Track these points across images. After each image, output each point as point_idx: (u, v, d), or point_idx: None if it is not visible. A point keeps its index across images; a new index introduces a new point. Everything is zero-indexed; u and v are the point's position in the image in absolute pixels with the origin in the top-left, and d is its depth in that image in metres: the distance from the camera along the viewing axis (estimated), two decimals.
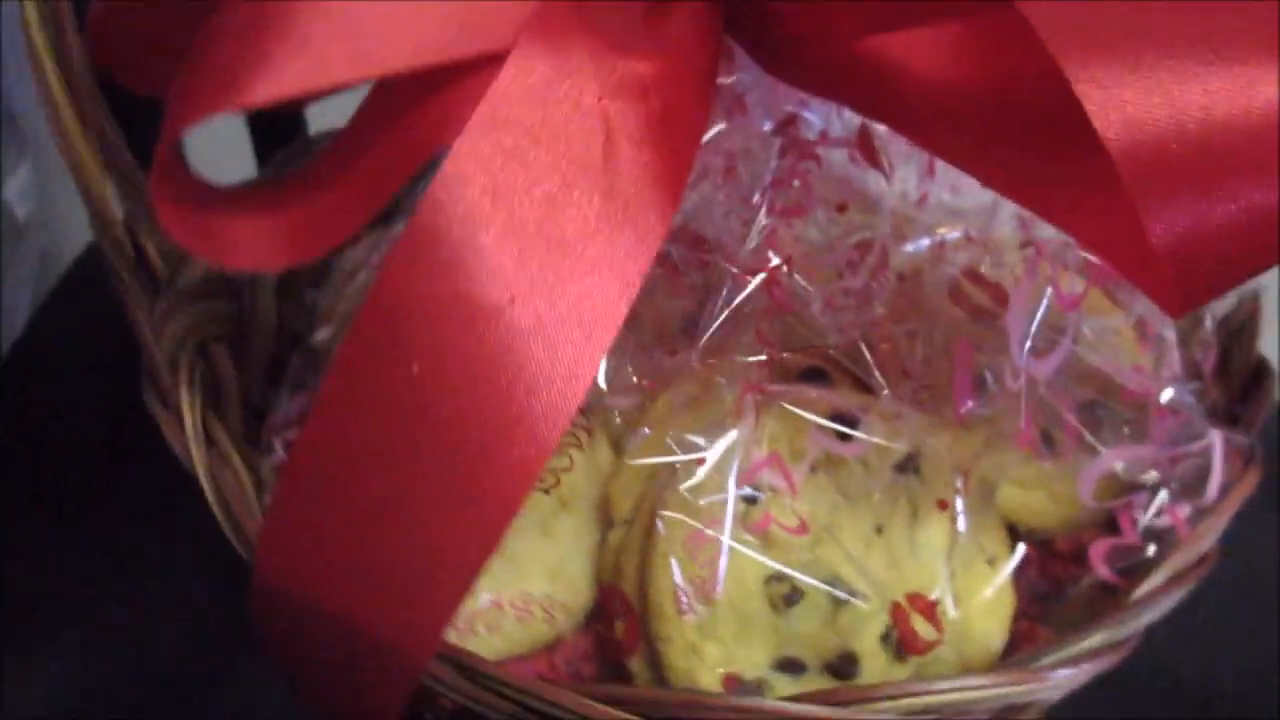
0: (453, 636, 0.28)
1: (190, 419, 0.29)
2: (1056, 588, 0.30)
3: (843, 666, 0.26)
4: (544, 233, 0.22)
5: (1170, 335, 0.27)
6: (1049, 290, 0.24)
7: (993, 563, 0.28)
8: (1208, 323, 0.30)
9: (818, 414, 0.27)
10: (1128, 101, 0.15)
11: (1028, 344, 0.24)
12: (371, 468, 0.22)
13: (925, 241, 0.29)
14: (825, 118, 0.29)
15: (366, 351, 0.22)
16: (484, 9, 0.23)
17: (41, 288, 0.75)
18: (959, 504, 0.26)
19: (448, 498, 0.22)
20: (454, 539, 0.22)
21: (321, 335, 0.36)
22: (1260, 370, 0.30)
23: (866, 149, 0.27)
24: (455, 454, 0.22)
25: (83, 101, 0.26)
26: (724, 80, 0.29)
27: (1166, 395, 0.25)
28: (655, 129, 0.23)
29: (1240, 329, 0.31)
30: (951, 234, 0.29)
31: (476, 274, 0.21)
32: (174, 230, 0.22)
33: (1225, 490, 0.25)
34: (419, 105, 0.23)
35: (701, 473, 0.26)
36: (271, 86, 0.22)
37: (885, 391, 0.27)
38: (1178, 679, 0.40)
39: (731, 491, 0.25)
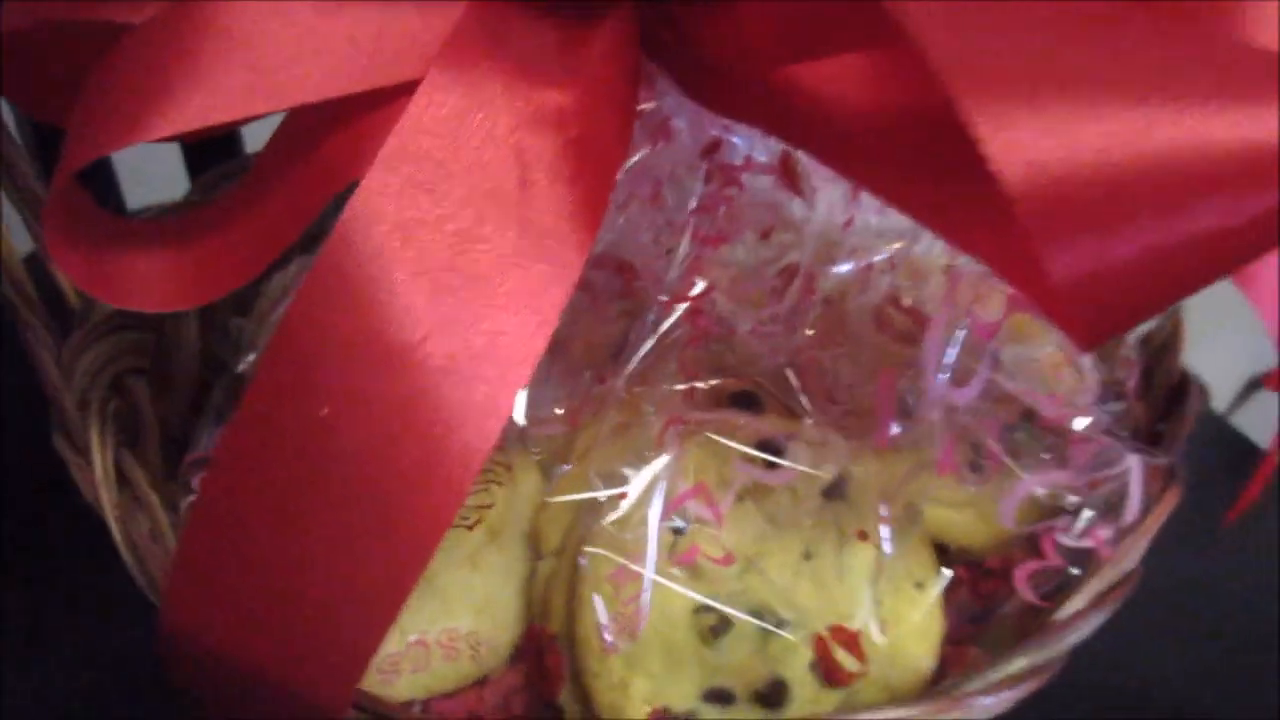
0: (377, 678, 0.27)
1: (100, 461, 0.28)
2: (988, 607, 0.30)
3: (772, 695, 0.26)
4: (457, 268, 0.21)
5: (1087, 361, 0.27)
6: (966, 319, 0.24)
7: (921, 586, 0.28)
8: (1130, 341, 0.30)
9: (744, 442, 0.27)
10: (1024, 141, 0.15)
11: (944, 375, 0.24)
12: (281, 513, 0.21)
13: (851, 265, 0.29)
14: (750, 143, 0.29)
15: (274, 392, 0.21)
16: (392, 39, 0.23)
17: None
18: (884, 530, 0.26)
19: (360, 543, 0.21)
20: (367, 586, 0.21)
21: (245, 364, 0.35)
22: (1182, 387, 0.30)
23: (788, 175, 0.27)
24: (367, 498, 0.21)
25: None
26: (648, 105, 0.28)
27: (1080, 424, 0.25)
28: (571, 160, 0.23)
29: (1163, 347, 0.32)
30: (877, 257, 0.29)
31: (387, 312, 0.21)
32: (68, 268, 0.21)
33: (1145, 510, 0.25)
34: (327, 138, 0.23)
35: (625, 506, 0.25)
36: (172, 122, 0.21)
37: (810, 419, 0.27)
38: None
39: (653, 525, 0.25)
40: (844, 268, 0.29)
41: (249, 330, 0.37)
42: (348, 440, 0.21)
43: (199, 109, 0.21)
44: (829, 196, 0.30)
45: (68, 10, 0.24)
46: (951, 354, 0.24)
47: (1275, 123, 0.15)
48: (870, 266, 0.29)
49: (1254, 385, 0.95)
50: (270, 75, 0.22)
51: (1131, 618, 0.36)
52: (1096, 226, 0.15)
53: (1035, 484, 0.25)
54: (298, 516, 0.21)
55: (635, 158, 0.29)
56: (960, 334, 0.24)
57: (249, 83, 0.22)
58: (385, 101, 0.23)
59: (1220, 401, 0.94)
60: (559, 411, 0.28)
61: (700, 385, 0.28)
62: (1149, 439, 0.29)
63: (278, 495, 0.21)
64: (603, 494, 0.25)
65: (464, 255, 0.22)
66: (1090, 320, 0.16)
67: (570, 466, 0.27)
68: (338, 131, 0.23)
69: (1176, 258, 0.16)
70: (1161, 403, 0.30)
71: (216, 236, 0.23)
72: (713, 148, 0.28)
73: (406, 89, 0.23)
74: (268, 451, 0.21)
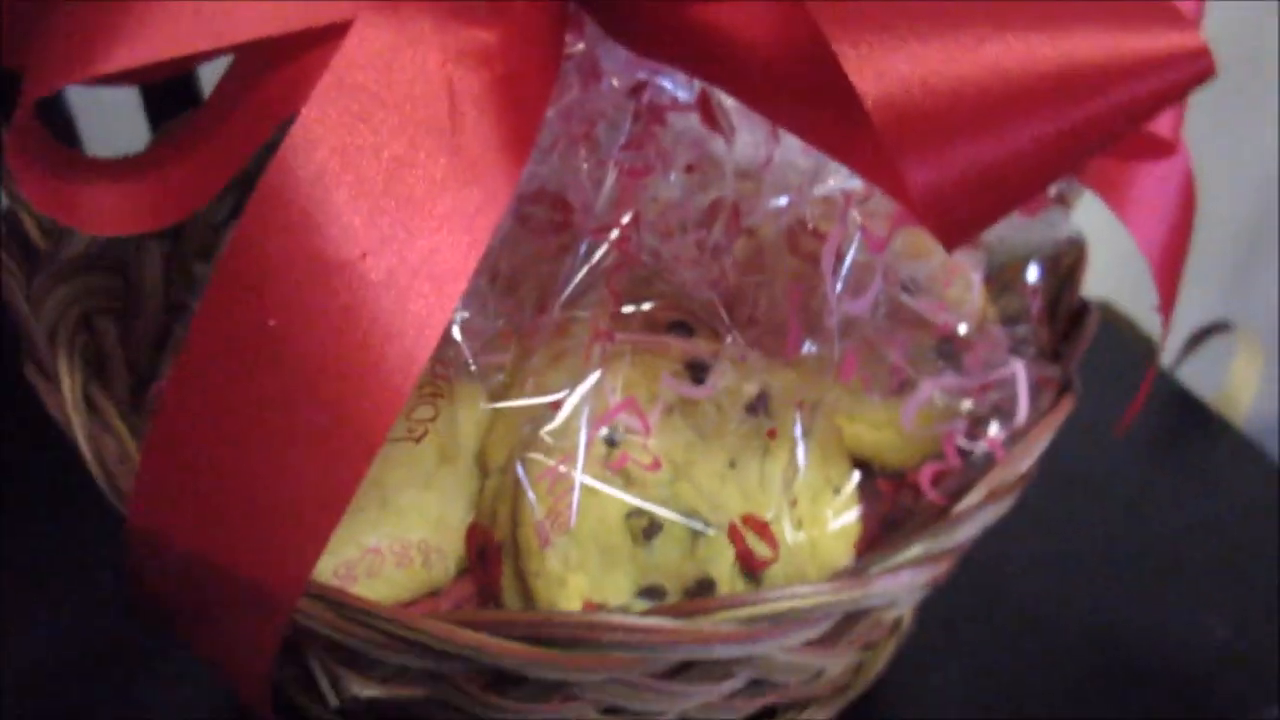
0: (334, 582, 0.29)
1: (69, 386, 0.30)
2: (906, 514, 0.33)
3: (701, 591, 0.28)
4: (392, 191, 0.23)
5: (976, 276, 0.29)
6: (858, 235, 0.26)
7: (838, 491, 0.30)
8: (1033, 269, 0.33)
9: (672, 361, 0.29)
10: (877, 60, 0.17)
11: (839, 285, 0.26)
12: (234, 416, 0.23)
13: (774, 201, 0.31)
14: (675, 84, 0.31)
15: (225, 307, 0.23)
16: None
17: None
18: (798, 434, 0.28)
19: (308, 443, 0.23)
20: (315, 481, 0.23)
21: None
22: (1082, 311, 0.33)
23: (707, 113, 0.29)
24: (314, 401, 0.23)
25: None
26: (578, 47, 0.30)
27: (963, 328, 0.27)
28: (499, 93, 0.25)
29: (1067, 275, 0.34)
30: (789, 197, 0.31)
31: (327, 231, 0.23)
32: (33, 195, 0.23)
33: (1036, 416, 0.28)
34: (269, 74, 0.25)
35: (560, 417, 0.27)
36: (121, 57, 0.23)
37: (733, 339, 0.29)
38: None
39: (583, 431, 0.27)
40: (768, 204, 0.31)
41: (209, 272, 0.39)
42: (294, 349, 0.23)
43: (148, 44, 0.23)
44: (751, 135, 0.32)
45: None
46: (844, 268, 0.26)
47: (1088, 43, 0.17)
48: (792, 202, 0.31)
49: (1198, 338, 0.98)
50: (214, 15, 0.24)
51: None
52: (941, 136, 0.17)
53: (931, 387, 0.27)
54: (250, 420, 0.23)
55: (568, 98, 0.31)
56: (851, 249, 0.26)
57: (193, 22, 0.23)
58: (322, 40, 0.24)
59: (1169, 356, 0.97)
60: (504, 338, 0.30)
61: (629, 309, 0.29)
62: (1051, 359, 0.32)
63: (231, 400, 0.23)
64: (539, 400, 0.27)
65: (399, 180, 0.23)
66: (950, 220, 0.19)
67: (508, 385, 0.29)
68: (279, 68, 0.24)
69: (1014, 162, 0.18)
70: (1063, 326, 0.32)
71: (170, 165, 0.25)
72: (639, 88, 0.30)
73: (342, 29, 0.24)
74: (220, 360, 0.23)
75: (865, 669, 0.36)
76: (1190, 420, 0.57)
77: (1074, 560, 0.45)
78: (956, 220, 0.19)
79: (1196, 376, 0.97)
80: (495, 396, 0.32)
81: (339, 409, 0.23)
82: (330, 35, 0.24)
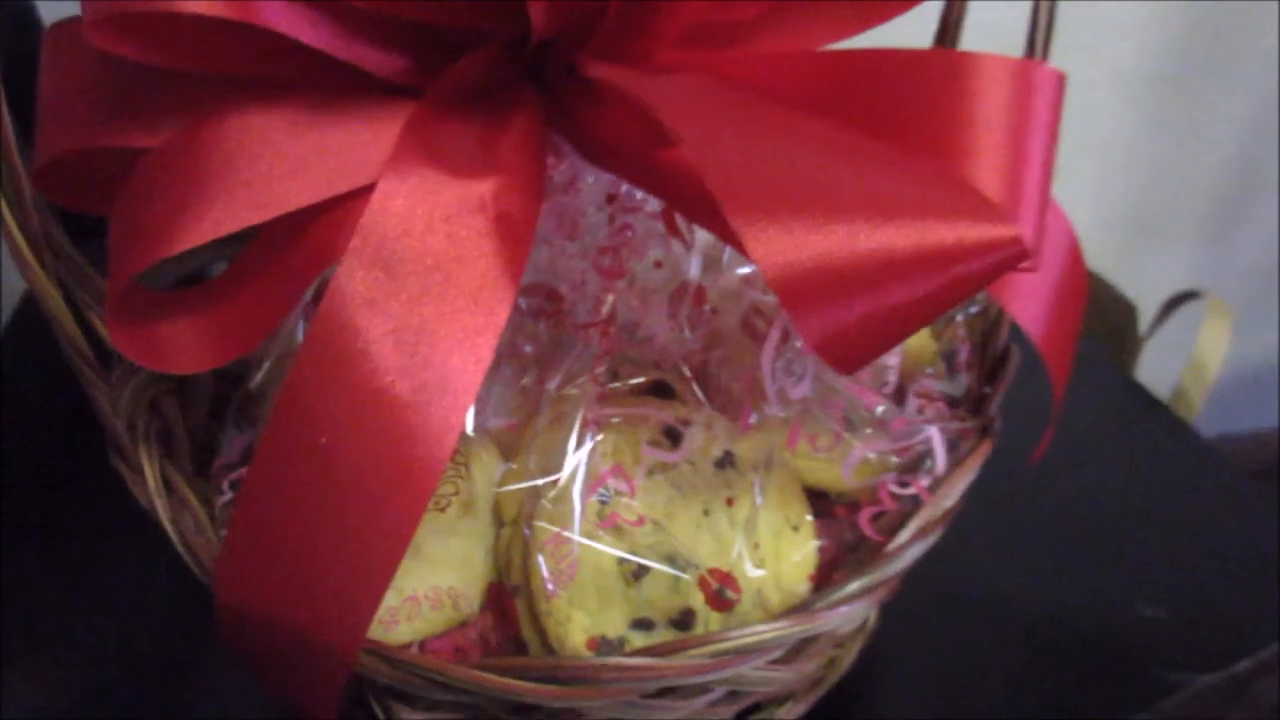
0: (380, 628, 0.35)
1: (151, 475, 0.36)
2: (861, 538, 0.38)
3: (683, 620, 0.34)
4: (411, 325, 0.29)
5: (891, 361, 0.35)
6: (796, 341, 0.32)
7: (796, 529, 0.36)
8: (959, 320, 0.38)
9: (651, 430, 0.35)
10: (773, 247, 0.22)
11: (776, 383, 0.32)
12: (299, 511, 0.29)
13: (729, 275, 0.37)
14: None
15: (286, 430, 0.29)
16: (350, 151, 0.30)
17: None
18: (757, 489, 0.34)
19: (359, 530, 0.29)
20: (365, 560, 0.29)
21: (255, 381, 0.43)
22: (1004, 355, 0.38)
23: (670, 223, 0.34)
24: (363, 495, 0.29)
25: (34, 240, 0.32)
26: (560, 167, 0.36)
27: (879, 410, 0.33)
28: (494, 233, 0.30)
29: (992, 324, 0.39)
30: (748, 269, 0.36)
31: (363, 365, 0.28)
32: (127, 350, 0.29)
33: (954, 464, 0.33)
34: (309, 230, 0.30)
35: (559, 487, 0.33)
36: (192, 235, 0.28)
37: (703, 406, 0.35)
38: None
39: (577, 500, 0.32)
40: (725, 278, 0.37)
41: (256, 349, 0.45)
42: (343, 458, 0.28)
43: (211, 223, 0.28)
44: None
45: (93, 139, 0.32)
46: (788, 358, 0.32)
47: (934, 233, 0.22)
48: (745, 278, 0.37)
49: (1172, 305, 1.02)
50: (262, 189, 0.29)
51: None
52: (825, 304, 0.23)
53: (862, 451, 0.33)
54: (311, 513, 0.29)
55: (552, 202, 0.37)
56: (796, 343, 0.32)
57: (246, 197, 0.29)
58: (351, 199, 0.30)
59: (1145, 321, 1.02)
60: (504, 421, 0.35)
61: (615, 385, 0.35)
62: (974, 403, 0.37)
63: (294, 500, 0.29)
64: (540, 481, 0.33)
65: (416, 315, 0.29)
66: (841, 357, 0.24)
67: (514, 464, 0.35)
68: (317, 223, 0.30)
69: (886, 317, 0.23)
70: (988, 370, 0.38)
71: (227, 309, 0.31)
72: (612, 198, 0.35)
73: (366, 190, 0.30)
74: (285, 470, 0.29)
75: (836, 664, 0.42)
76: (1142, 413, 0.62)
77: (1024, 555, 0.51)
78: (845, 359, 0.24)
79: (1167, 344, 1.02)
80: (505, 451, 0.38)
81: (380, 503, 0.29)
82: (358, 195, 0.30)
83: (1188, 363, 0.92)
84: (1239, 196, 1.17)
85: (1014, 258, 0.22)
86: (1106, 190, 1.11)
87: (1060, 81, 0.27)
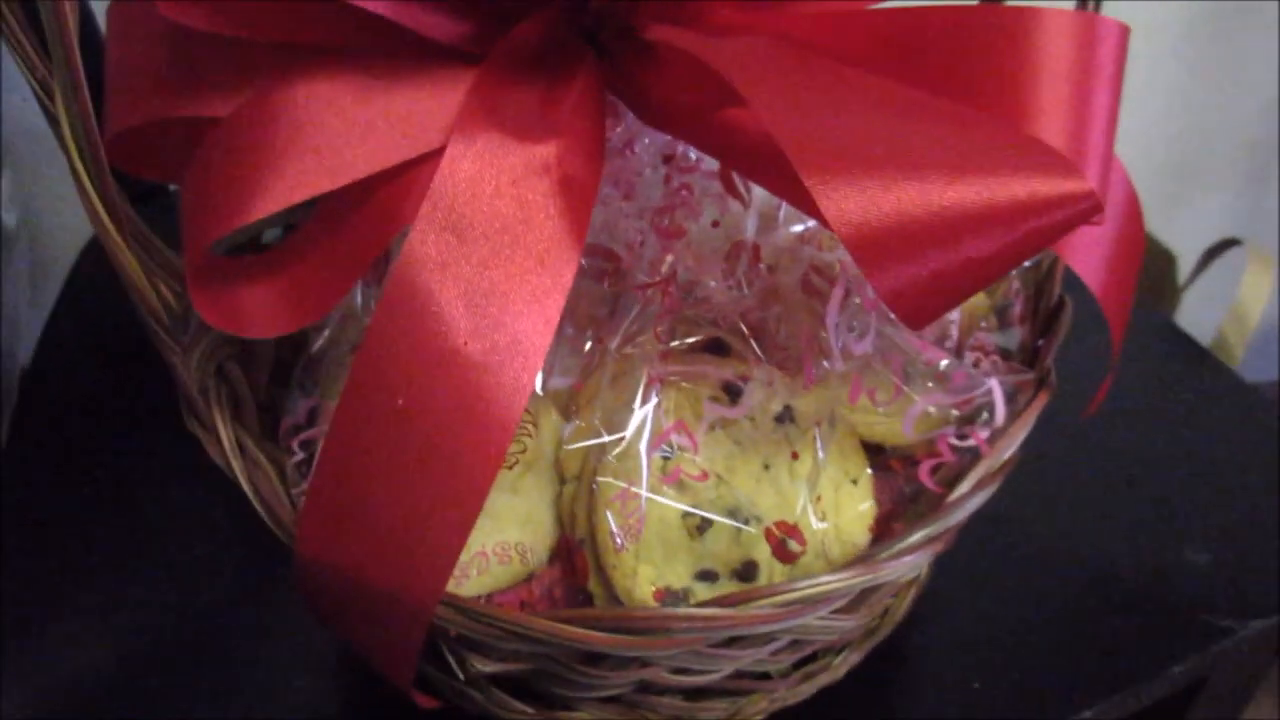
0: (450, 583, 0.36)
1: (226, 437, 0.37)
2: (918, 491, 0.39)
3: (746, 572, 0.35)
4: (481, 288, 0.30)
5: (953, 316, 0.35)
6: (856, 293, 0.32)
7: (855, 482, 0.37)
8: (1013, 274, 0.38)
9: (711, 387, 0.35)
10: (846, 206, 0.23)
11: (839, 338, 0.32)
12: (378, 471, 0.30)
13: (785, 233, 0.37)
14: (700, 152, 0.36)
15: (363, 392, 0.29)
16: (415, 117, 0.31)
17: (38, 293, 0.82)
18: (819, 443, 0.35)
19: (437, 489, 0.30)
20: (443, 518, 0.30)
21: (317, 345, 0.44)
22: (1059, 308, 0.38)
23: (728, 183, 0.34)
24: (438, 457, 0.30)
25: (114, 209, 0.32)
26: (617, 130, 0.36)
27: (943, 364, 0.33)
28: (558, 195, 0.31)
29: (1045, 276, 0.39)
30: (802, 226, 0.37)
31: (437, 327, 0.29)
32: (210, 318, 0.30)
33: (1013, 415, 0.34)
34: (376, 195, 0.31)
35: (623, 444, 0.34)
36: (264, 204, 0.29)
37: (762, 363, 0.36)
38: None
39: (644, 456, 0.33)
40: (780, 235, 0.37)
41: None
42: (420, 420, 0.29)
43: (281, 192, 0.29)
44: None
45: (162, 110, 0.32)
46: (849, 314, 0.32)
47: (1007, 188, 0.23)
48: (801, 236, 0.37)
49: (1213, 253, 1.02)
50: (329, 157, 0.30)
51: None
52: (899, 260, 0.23)
53: (924, 405, 0.33)
54: (389, 473, 0.30)
55: (610, 166, 0.37)
56: (857, 301, 0.32)
57: (315, 165, 0.30)
58: (418, 165, 0.31)
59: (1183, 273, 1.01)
60: (566, 380, 0.36)
61: (674, 344, 0.36)
62: (1029, 355, 0.37)
63: (373, 460, 0.30)
64: (606, 439, 0.34)
65: (486, 278, 0.30)
66: (911, 311, 0.24)
67: (579, 418, 0.35)
68: (384, 190, 0.31)
69: (956, 273, 0.24)
70: (1042, 323, 0.38)
71: (300, 274, 0.31)
72: (669, 157, 0.36)
73: (433, 155, 0.30)
74: (363, 430, 0.29)
75: (890, 614, 0.43)
76: (1188, 361, 0.62)
77: (1072, 502, 0.51)
78: (917, 312, 0.25)
79: (1209, 291, 1.01)
80: (565, 410, 0.39)
81: (457, 464, 0.29)
82: (424, 160, 0.30)
83: (1228, 311, 0.92)
84: (1278, 144, 1.16)
85: (1087, 212, 0.23)
86: (1145, 139, 1.10)
87: (1124, 34, 0.27)
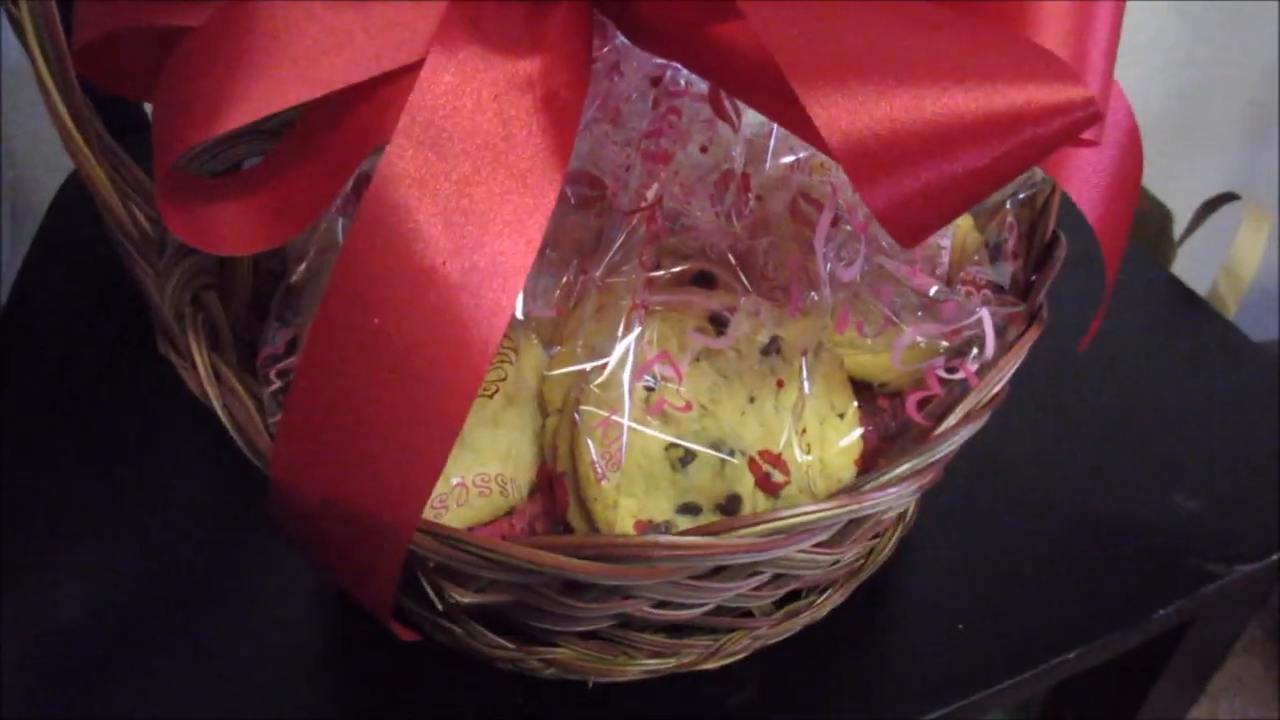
0: (430, 513, 0.36)
1: (201, 363, 0.36)
2: (904, 426, 0.38)
3: (729, 505, 0.35)
4: (461, 206, 0.29)
5: (944, 243, 0.34)
6: (846, 219, 0.31)
7: (842, 416, 0.36)
8: (1007, 207, 0.37)
9: (696, 317, 0.35)
10: (838, 115, 0.22)
11: (828, 265, 0.31)
12: (354, 393, 0.29)
13: (775, 164, 0.36)
14: (689, 74, 0.35)
15: (338, 313, 0.28)
16: (394, 28, 0.29)
17: (20, 237, 0.81)
18: (805, 374, 0.34)
19: (413, 411, 0.29)
20: (420, 440, 0.29)
21: (296, 275, 0.43)
22: (1053, 243, 0.38)
23: (717, 105, 0.33)
24: (415, 378, 0.29)
25: (82, 119, 0.31)
26: (604, 50, 0.35)
27: (933, 290, 0.33)
28: (541, 113, 0.30)
29: (1042, 208, 0.39)
30: (792, 157, 0.36)
31: (414, 244, 0.28)
32: (179, 231, 0.29)
33: (1003, 348, 0.33)
34: (354, 109, 0.30)
35: (606, 372, 0.33)
36: (236, 116, 0.28)
37: (748, 293, 0.35)
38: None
39: (627, 384, 0.33)
40: (770, 166, 0.36)
41: (294, 245, 0.45)
42: (396, 340, 0.28)
43: (256, 102, 0.28)
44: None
45: (133, 17, 0.31)
46: (829, 249, 0.31)
47: (1003, 95, 0.22)
48: (791, 166, 0.36)
49: (1210, 206, 1.01)
50: (306, 67, 0.29)
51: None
52: (888, 168, 0.22)
53: (913, 334, 0.33)
54: (366, 394, 0.29)
55: (596, 88, 0.36)
56: (847, 227, 0.31)
57: (291, 75, 0.29)
58: (397, 78, 0.29)
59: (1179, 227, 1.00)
60: (557, 296, 0.35)
61: (659, 273, 0.35)
62: (1022, 289, 0.37)
63: (350, 380, 0.29)
64: (588, 365, 0.33)
65: (466, 195, 0.29)
66: (904, 227, 0.24)
67: (562, 347, 0.35)
68: (364, 103, 0.30)
69: (952, 185, 0.23)
70: (1035, 258, 0.37)
71: (276, 189, 0.30)
72: (657, 79, 0.35)
73: (412, 68, 0.29)
74: (338, 352, 0.29)
75: (875, 554, 0.43)
76: (1183, 309, 0.61)
77: (1062, 444, 0.51)
78: (910, 227, 0.24)
79: (1204, 245, 1.01)
80: (548, 343, 0.38)
81: (433, 385, 0.29)
82: (404, 74, 0.29)
83: (1223, 266, 0.91)
84: (1276, 103, 1.14)
85: (1084, 120, 0.22)
86: (1145, 94, 1.09)
87: None
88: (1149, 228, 1.01)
